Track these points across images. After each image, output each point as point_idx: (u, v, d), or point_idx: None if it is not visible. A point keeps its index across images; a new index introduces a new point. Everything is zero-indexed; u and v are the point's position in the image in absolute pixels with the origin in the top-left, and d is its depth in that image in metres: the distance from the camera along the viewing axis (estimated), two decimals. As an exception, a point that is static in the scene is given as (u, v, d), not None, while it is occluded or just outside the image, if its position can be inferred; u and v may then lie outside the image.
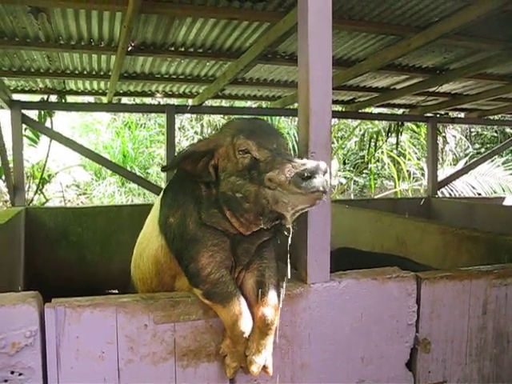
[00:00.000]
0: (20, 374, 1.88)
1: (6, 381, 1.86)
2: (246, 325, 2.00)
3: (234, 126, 2.21)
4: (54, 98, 7.07)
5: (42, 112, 7.47)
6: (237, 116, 7.37)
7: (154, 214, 2.47)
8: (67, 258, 6.20)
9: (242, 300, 2.05)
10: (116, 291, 5.32)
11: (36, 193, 8.98)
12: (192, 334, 2.11)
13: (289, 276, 2.20)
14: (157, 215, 2.41)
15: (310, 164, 1.81)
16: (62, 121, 12.07)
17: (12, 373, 1.87)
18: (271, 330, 2.07)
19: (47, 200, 10.13)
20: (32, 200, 8.52)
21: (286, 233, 2.07)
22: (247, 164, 2.01)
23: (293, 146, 12.61)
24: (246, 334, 2.01)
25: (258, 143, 2.02)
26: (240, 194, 2.00)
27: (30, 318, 1.89)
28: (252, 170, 1.98)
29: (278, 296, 2.14)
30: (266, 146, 2.02)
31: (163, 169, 2.28)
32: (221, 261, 2.10)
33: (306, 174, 1.78)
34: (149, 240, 2.47)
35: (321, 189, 1.79)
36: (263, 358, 2.05)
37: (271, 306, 2.08)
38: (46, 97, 6.99)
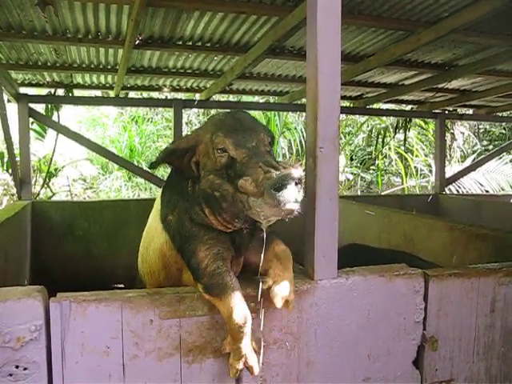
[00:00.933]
0: (25, 369, 1.88)
1: (11, 375, 1.87)
2: (241, 317, 1.96)
3: (214, 122, 2.21)
4: (61, 92, 7.06)
5: (49, 106, 7.47)
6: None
7: (157, 208, 2.48)
8: (73, 252, 6.19)
9: (239, 293, 2.01)
10: (122, 285, 5.32)
11: (42, 187, 8.98)
12: (198, 330, 2.10)
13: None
14: (159, 210, 2.43)
15: (282, 173, 1.76)
16: (68, 115, 12.09)
17: (17, 367, 1.87)
18: (289, 259, 2.13)
19: (54, 194, 10.13)
20: (38, 194, 8.53)
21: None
22: (225, 163, 2.01)
23: (300, 142, 12.61)
24: (244, 329, 1.96)
25: (235, 142, 2.00)
26: (218, 193, 2.00)
27: (35, 312, 1.88)
28: (229, 170, 1.98)
29: None
30: (244, 144, 2.00)
31: (150, 166, 2.28)
32: (217, 253, 2.11)
33: (277, 185, 1.74)
34: (154, 235, 2.48)
35: (292, 201, 1.76)
36: (284, 288, 2.03)
37: (282, 243, 2.16)
38: (53, 90, 6.99)
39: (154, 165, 2.26)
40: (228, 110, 2.41)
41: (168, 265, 2.39)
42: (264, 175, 1.79)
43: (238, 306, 1.98)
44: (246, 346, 2.00)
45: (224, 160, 2.00)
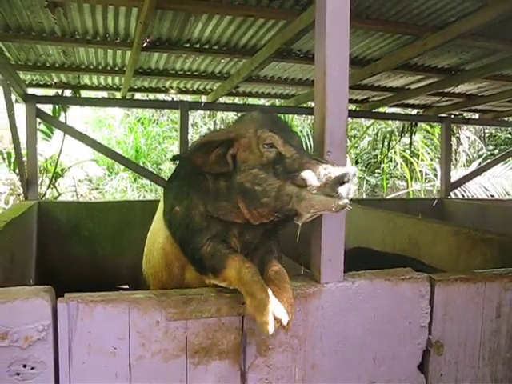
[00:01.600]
0: (32, 368, 1.89)
1: (18, 374, 1.88)
2: (249, 266, 1.99)
3: (256, 118, 2.21)
4: (68, 93, 7.08)
5: (57, 106, 7.49)
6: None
7: (160, 207, 2.50)
8: (79, 253, 6.21)
9: (241, 256, 2.08)
10: (126, 286, 5.33)
11: (49, 187, 9.01)
12: (204, 332, 2.10)
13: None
14: (162, 207, 2.45)
15: (345, 170, 1.83)
16: (75, 115, 12.11)
17: (24, 366, 1.88)
18: (285, 279, 2.11)
19: (60, 194, 10.15)
20: (45, 194, 8.55)
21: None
22: (272, 158, 2.01)
23: (306, 145, 12.61)
24: (256, 277, 1.97)
25: (283, 138, 2.03)
26: (260, 188, 2.00)
27: (42, 312, 1.89)
28: (276, 165, 1.99)
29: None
30: (291, 142, 2.04)
31: (174, 158, 2.23)
32: (220, 242, 2.15)
33: (341, 180, 1.81)
34: (157, 234, 2.50)
35: (348, 196, 1.84)
36: (285, 311, 1.96)
37: (279, 263, 2.18)
38: (60, 91, 7.01)
39: (184, 156, 2.22)
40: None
41: (170, 263, 2.41)
42: (325, 171, 1.84)
43: (243, 261, 2.02)
44: (266, 293, 1.92)
45: (272, 155, 2.01)
